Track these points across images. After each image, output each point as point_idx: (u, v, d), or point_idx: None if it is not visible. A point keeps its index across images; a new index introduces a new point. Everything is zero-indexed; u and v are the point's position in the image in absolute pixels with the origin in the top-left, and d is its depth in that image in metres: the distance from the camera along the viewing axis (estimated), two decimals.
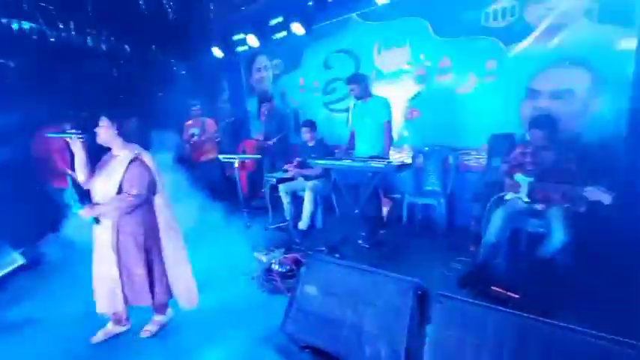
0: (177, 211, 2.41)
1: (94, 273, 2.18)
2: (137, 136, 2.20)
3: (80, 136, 1.99)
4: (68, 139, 2.01)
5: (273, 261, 2.94)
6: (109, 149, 2.11)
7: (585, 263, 2.40)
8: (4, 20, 3.79)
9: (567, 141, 2.77)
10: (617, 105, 2.62)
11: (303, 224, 3.76)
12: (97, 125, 2.04)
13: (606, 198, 2.04)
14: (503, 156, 3.00)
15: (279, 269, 2.84)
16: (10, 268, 3.47)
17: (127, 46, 4.83)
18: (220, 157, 4.25)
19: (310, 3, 4.07)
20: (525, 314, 1.46)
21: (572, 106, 2.83)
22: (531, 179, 2.54)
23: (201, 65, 5.65)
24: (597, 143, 2.70)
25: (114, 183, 2.00)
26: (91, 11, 4.31)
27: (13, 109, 3.59)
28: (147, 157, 2.10)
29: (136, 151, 2.07)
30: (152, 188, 2.11)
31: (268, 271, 2.88)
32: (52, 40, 4.08)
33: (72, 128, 2.06)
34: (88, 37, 4.40)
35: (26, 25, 3.92)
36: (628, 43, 2.53)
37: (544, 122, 2.47)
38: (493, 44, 3.14)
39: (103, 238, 2.09)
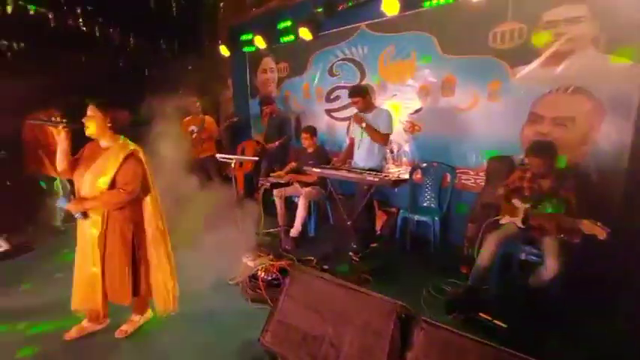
0: (170, 208, 2.37)
1: (76, 267, 2.12)
2: (128, 128, 2.10)
3: (65, 125, 1.92)
4: (52, 128, 1.95)
5: (260, 267, 2.88)
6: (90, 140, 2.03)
7: (576, 296, 2.34)
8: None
9: (566, 169, 2.72)
10: (619, 137, 2.57)
11: (294, 231, 3.71)
12: (84, 115, 1.95)
13: (601, 233, 2.00)
14: (501, 179, 2.96)
15: (265, 277, 2.78)
16: None
17: (133, 38, 4.79)
18: (218, 156, 4.20)
19: (319, 10, 4.06)
20: (509, 350, 1.40)
21: (574, 134, 2.78)
22: (527, 205, 2.50)
23: (207, 62, 5.63)
24: (597, 174, 2.65)
25: (107, 177, 1.93)
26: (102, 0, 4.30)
27: (4, 92, 3.53)
28: (141, 153, 2.04)
29: (131, 147, 2.01)
30: (144, 185, 2.06)
31: (253, 277, 2.82)
32: (54, 25, 4.05)
33: (60, 114, 1.99)
34: (96, 27, 4.36)
35: (32, 7, 3.90)
36: (634, 75, 2.49)
37: (544, 149, 2.43)
38: (498, 65, 3.11)
39: (88, 232, 2.03)
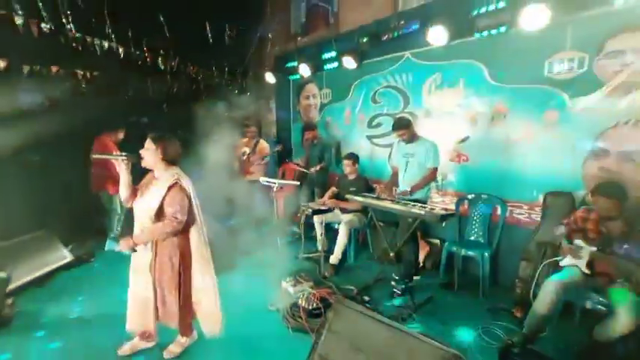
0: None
1: (130, 290, 2.25)
2: (179, 158, 2.19)
3: (125, 158, 2.05)
4: (114, 161, 2.09)
5: (301, 296, 2.87)
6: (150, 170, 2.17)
7: None
8: (89, 39, 4.23)
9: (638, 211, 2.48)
10: None
11: (334, 258, 3.67)
12: (142, 147, 2.08)
13: None
14: (560, 216, 2.75)
15: (306, 306, 2.76)
16: (57, 265, 3.70)
17: (191, 66, 5.19)
18: (261, 179, 4.33)
19: (365, 40, 4.14)
20: None
21: None
22: (594, 249, 2.29)
23: (254, 89, 5.91)
24: None
25: (154, 205, 2.04)
26: (164, 33, 4.73)
27: (77, 114, 3.90)
28: (185, 182, 2.11)
29: (175, 176, 2.08)
30: (190, 214, 2.13)
31: (294, 306, 2.81)
32: (123, 56, 4.51)
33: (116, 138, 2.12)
34: (159, 58, 4.79)
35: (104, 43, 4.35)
36: None
37: (613, 190, 2.22)
38: (555, 95, 2.96)
39: (142, 258, 2.15)
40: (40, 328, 2.68)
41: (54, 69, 4.06)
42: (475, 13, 3.05)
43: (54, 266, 3.67)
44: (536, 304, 2.33)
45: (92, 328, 2.66)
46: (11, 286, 3.00)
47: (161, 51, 4.83)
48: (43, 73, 3.98)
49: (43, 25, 3.69)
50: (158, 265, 2.13)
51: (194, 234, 2.20)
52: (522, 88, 3.15)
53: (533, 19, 2.72)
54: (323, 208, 3.87)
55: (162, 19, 4.61)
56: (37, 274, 3.44)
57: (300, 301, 2.80)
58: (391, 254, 3.19)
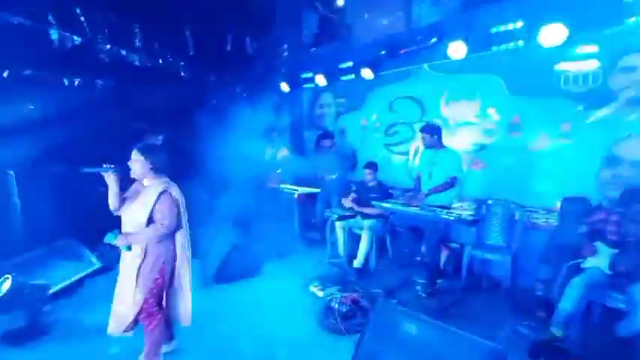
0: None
1: (116, 294, 2.28)
2: (168, 167, 2.28)
3: (114, 170, 2.13)
4: (103, 174, 2.14)
5: (333, 299, 2.99)
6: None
7: None
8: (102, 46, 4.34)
9: None
10: None
11: (357, 262, 3.80)
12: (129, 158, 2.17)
13: None
14: (576, 220, 2.92)
15: (340, 308, 2.87)
16: (87, 271, 3.76)
17: (211, 76, 5.34)
18: (281, 186, 4.46)
19: (383, 52, 4.31)
20: None
21: None
22: (615, 250, 2.45)
23: (270, 97, 6.03)
24: None
25: (144, 213, 2.13)
26: (186, 43, 4.88)
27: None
28: (175, 191, 2.22)
29: (165, 185, 2.18)
30: (179, 220, 2.25)
31: (328, 309, 2.92)
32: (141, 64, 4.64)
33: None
34: (180, 66, 4.93)
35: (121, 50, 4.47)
36: None
37: (637, 195, 2.40)
38: (570, 107, 3.15)
39: (130, 263, 2.20)
40: (79, 335, 2.74)
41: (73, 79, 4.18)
42: (494, 30, 3.23)
43: (83, 274, 3.74)
44: (562, 303, 2.48)
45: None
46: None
47: (181, 62, 4.97)
48: (65, 82, 4.09)
49: (72, 36, 3.81)
50: (143, 268, 2.18)
51: (180, 238, 2.31)
52: (539, 100, 3.34)
53: (551, 36, 2.91)
54: (348, 214, 4.00)
55: (186, 31, 4.75)
56: (69, 281, 3.51)
57: (333, 304, 2.92)
58: (417, 258, 3.32)
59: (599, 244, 2.55)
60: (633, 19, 2.63)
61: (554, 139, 3.28)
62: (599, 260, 2.53)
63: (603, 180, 3.00)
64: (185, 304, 2.40)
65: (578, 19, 2.80)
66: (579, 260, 2.68)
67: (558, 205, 3.23)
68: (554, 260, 3.09)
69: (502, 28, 3.19)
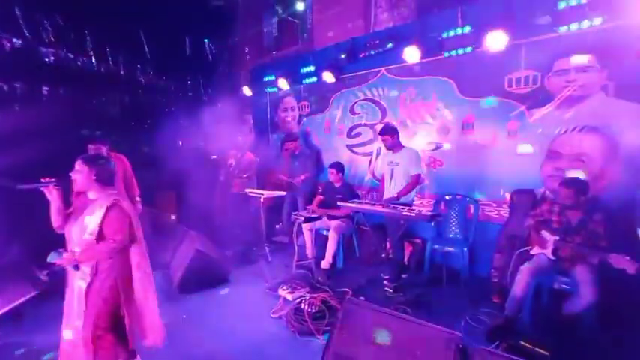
0: None
1: (64, 317, 2.09)
2: (114, 179, 2.13)
3: (56, 185, 1.98)
4: (44, 189, 1.97)
5: (302, 300, 3.01)
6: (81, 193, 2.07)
7: (612, 325, 2.47)
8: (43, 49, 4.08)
9: (592, 203, 2.92)
10: (633, 175, 2.81)
11: (325, 263, 3.84)
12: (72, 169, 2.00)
13: (630, 267, 2.16)
14: (525, 211, 3.17)
15: (309, 309, 2.90)
16: (34, 293, 3.49)
17: (168, 81, 5.17)
18: (247, 191, 4.41)
19: (343, 56, 4.43)
20: None
21: (591, 168, 3.03)
22: (557, 237, 2.68)
23: (231, 101, 5.96)
24: (618, 208, 2.86)
25: (92, 228, 1.97)
26: (143, 48, 4.70)
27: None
28: (124, 203, 2.07)
29: (113, 197, 2.03)
30: (131, 233, 2.08)
31: (297, 310, 2.94)
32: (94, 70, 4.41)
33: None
34: (137, 70, 4.74)
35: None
36: None
37: (572, 182, 2.65)
38: (515, 107, 3.42)
39: (76, 284, 2.03)
40: None
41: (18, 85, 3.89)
42: (445, 35, 3.44)
43: (29, 296, 3.47)
44: (513, 288, 2.69)
45: None
46: None
47: (138, 65, 4.78)
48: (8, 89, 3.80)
49: (15, 40, 3.55)
50: (95, 287, 2.01)
51: (135, 252, 2.14)
52: (487, 101, 3.60)
53: (495, 42, 3.16)
54: (314, 216, 4.04)
55: (141, 34, 4.58)
56: (15, 304, 3.24)
57: (302, 306, 2.94)
58: (382, 255, 3.42)
59: (544, 233, 2.79)
60: (565, 27, 2.91)
61: (503, 137, 3.53)
62: (545, 247, 2.76)
63: (545, 172, 3.28)
64: (151, 319, 2.20)
65: (517, 27, 3.08)
66: (527, 248, 2.91)
67: (508, 197, 3.49)
68: (506, 249, 3.33)
69: (452, 34, 3.40)
